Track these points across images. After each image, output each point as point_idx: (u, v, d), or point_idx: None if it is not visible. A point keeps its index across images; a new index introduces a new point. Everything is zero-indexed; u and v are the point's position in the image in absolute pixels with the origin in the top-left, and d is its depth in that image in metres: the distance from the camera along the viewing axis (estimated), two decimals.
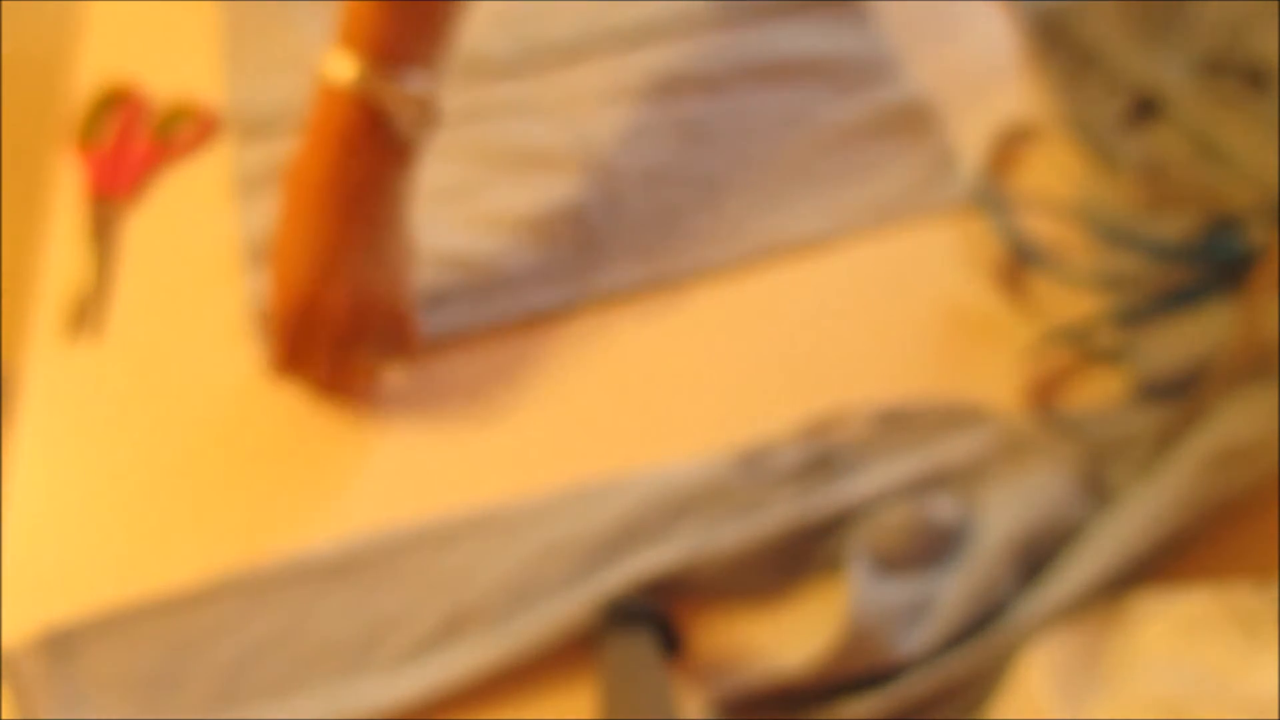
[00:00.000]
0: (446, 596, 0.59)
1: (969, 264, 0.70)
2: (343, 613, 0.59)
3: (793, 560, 0.58)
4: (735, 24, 0.85)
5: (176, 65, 0.85)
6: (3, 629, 0.59)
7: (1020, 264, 0.68)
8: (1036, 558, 0.56)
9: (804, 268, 0.71)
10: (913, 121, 0.77)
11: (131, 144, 0.80)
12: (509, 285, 0.71)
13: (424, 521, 0.62)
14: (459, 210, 0.74)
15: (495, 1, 0.85)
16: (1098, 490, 0.58)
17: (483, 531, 0.61)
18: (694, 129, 0.79)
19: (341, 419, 0.67)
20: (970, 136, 0.75)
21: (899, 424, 0.62)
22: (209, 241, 0.75)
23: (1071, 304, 0.66)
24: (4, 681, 0.57)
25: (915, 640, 0.53)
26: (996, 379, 0.64)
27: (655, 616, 0.55)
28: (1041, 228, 0.69)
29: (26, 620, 0.59)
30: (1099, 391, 0.63)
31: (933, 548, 0.57)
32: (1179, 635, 0.50)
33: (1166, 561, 0.55)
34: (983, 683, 0.52)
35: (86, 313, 0.72)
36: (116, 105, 0.82)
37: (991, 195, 0.71)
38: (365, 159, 0.63)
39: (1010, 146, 0.75)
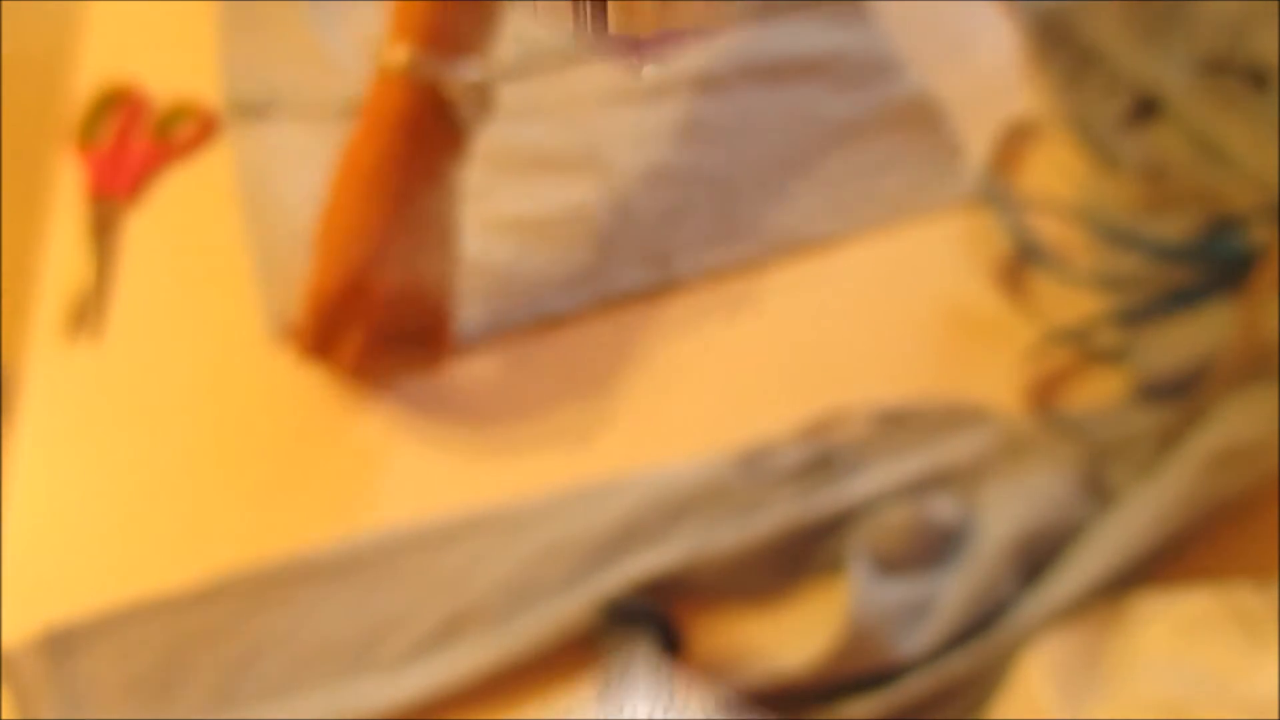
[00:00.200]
0: (446, 596, 0.59)
1: (970, 263, 0.70)
2: (343, 613, 0.59)
3: (793, 561, 0.58)
4: (739, 23, 0.85)
5: (176, 65, 0.85)
6: (3, 629, 0.59)
7: (1022, 262, 0.68)
8: (1037, 558, 0.56)
9: (806, 267, 0.71)
10: (918, 118, 0.77)
11: (131, 144, 0.80)
12: (518, 290, 0.71)
13: (424, 521, 0.61)
14: (467, 215, 0.74)
15: None
16: (1098, 490, 0.58)
17: (483, 531, 0.61)
18: (699, 129, 0.79)
19: (345, 419, 0.67)
20: (972, 135, 0.75)
21: (899, 424, 0.62)
22: (209, 241, 0.75)
23: (1072, 304, 0.66)
24: (4, 681, 0.57)
25: (915, 641, 0.53)
26: (997, 379, 0.64)
27: (655, 616, 0.55)
28: (1043, 227, 0.69)
29: (26, 620, 0.59)
30: (1099, 392, 0.63)
31: (933, 548, 0.57)
32: (1180, 636, 0.50)
33: (1167, 562, 0.55)
34: (983, 683, 0.52)
35: (86, 313, 0.72)
36: (116, 105, 0.82)
37: (997, 191, 0.71)
38: (421, 144, 0.63)
39: (1012, 145, 0.75)
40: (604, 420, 0.66)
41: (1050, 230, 0.69)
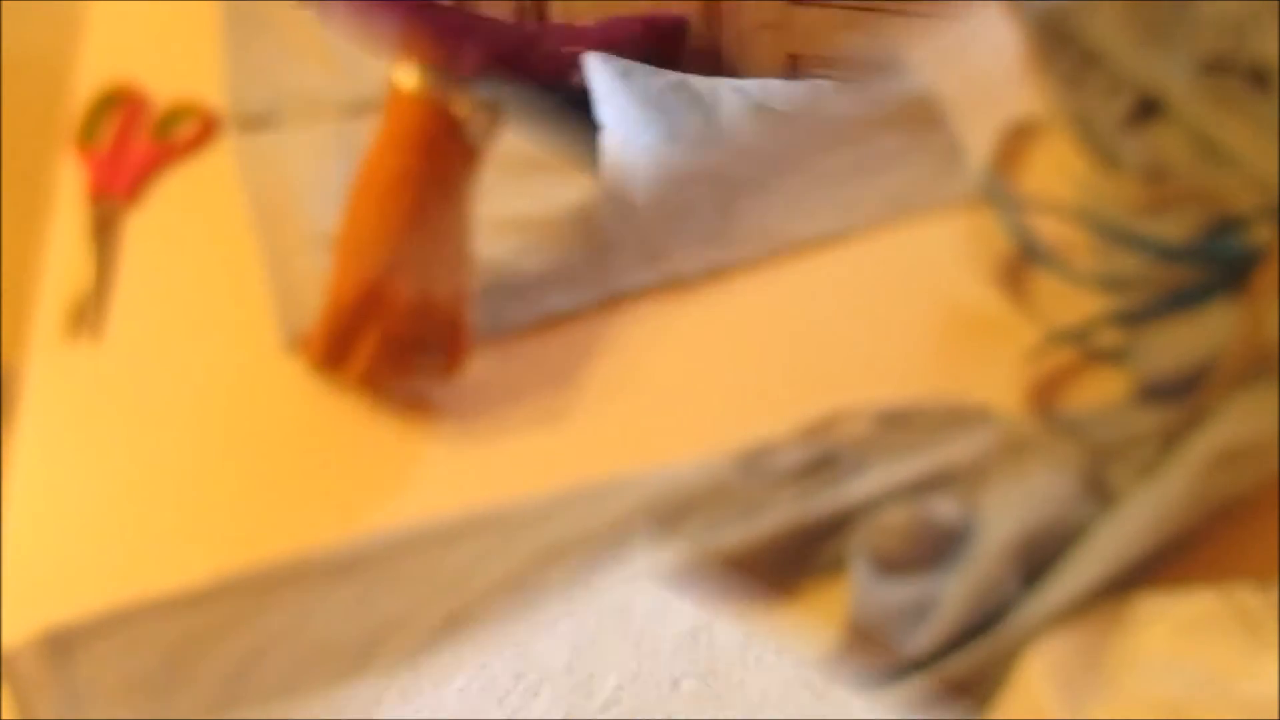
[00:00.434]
0: (447, 597, 0.59)
1: (970, 263, 0.70)
2: (343, 613, 0.59)
3: (794, 561, 0.58)
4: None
5: (176, 65, 0.85)
6: (3, 629, 0.59)
7: (1023, 262, 0.68)
8: (1038, 559, 0.55)
9: (807, 267, 0.71)
10: (921, 115, 0.77)
11: (131, 144, 0.80)
12: (521, 290, 0.71)
13: (424, 521, 0.61)
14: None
15: None
16: (1099, 491, 0.58)
17: (483, 531, 0.61)
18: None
19: (346, 420, 0.67)
20: (973, 135, 0.75)
21: (900, 424, 0.62)
22: (209, 241, 0.75)
23: (1073, 304, 0.66)
24: (4, 681, 0.57)
25: (917, 641, 0.53)
26: (998, 379, 0.64)
27: None
28: (1043, 227, 0.69)
29: (26, 620, 0.59)
30: (1101, 392, 0.63)
31: (934, 548, 0.57)
32: (1181, 636, 0.50)
33: (1169, 562, 0.54)
34: (985, 684, 0.52)
35: (86, 313, 0.72)
36: (116, 105, 0.82)
37: (998, 191, 0.71)
38: (435, 160, 0.65)
39: (1012, 145, 0.75)
40: (604, 420, 0.66)
41: (1051, 230, 0.69)
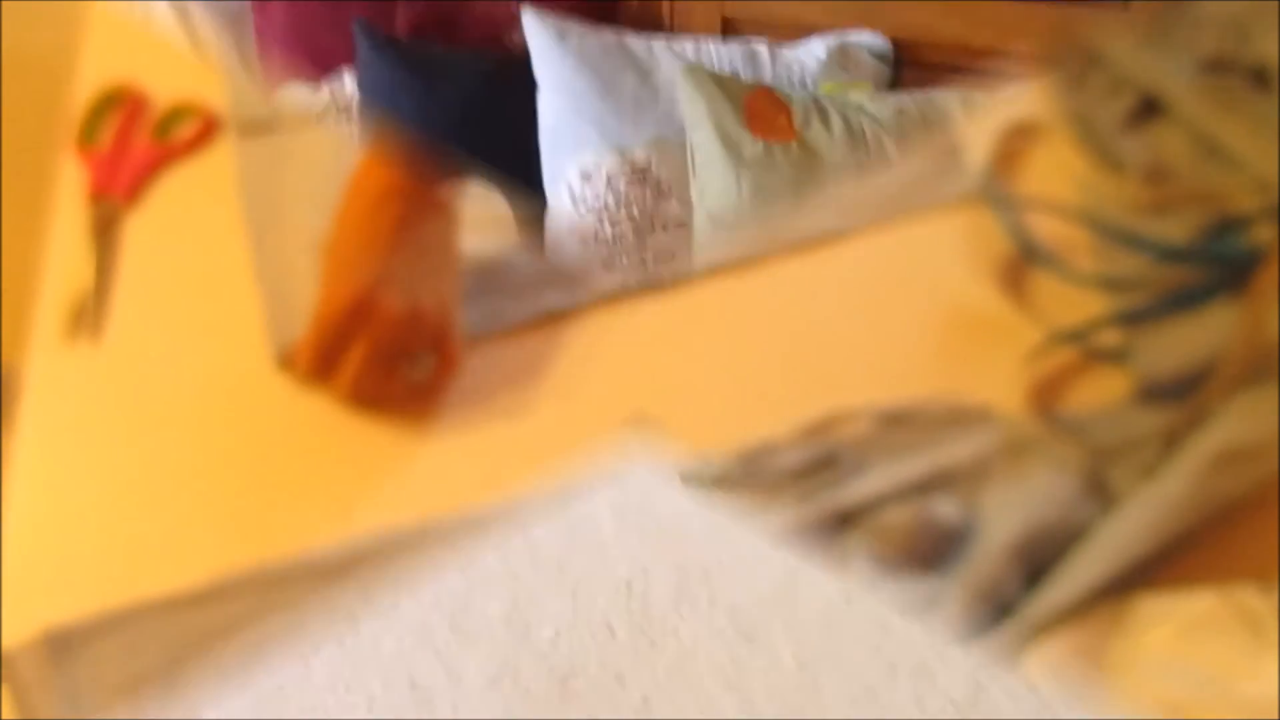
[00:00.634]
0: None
1: (971, 263, 0.70)
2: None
3: None
4: None
5: (176, 65, 0.85)
6: (3, 629, 0.59)
7: (1024, 263, 0.68)
8: (1039, 560, 0.55)
9: (808, 266, 0.71)
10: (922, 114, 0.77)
11: (131, 144, 0.80)
12: (514, 288, 0.71)
13: (424, 521, 0.61)
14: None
15: None
16: (1100, 492, 0.58)
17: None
18: None
19: (345, 420, 0.67)
20: (972, 135, 0.75)
21: (901, 424, 0.62)
22: (209, 242, 0.75)
23: (1074, 304, 0.66)
24: (4, 681, 0.57)
25: None
26: (999, 379, 0.64)
27: None
28: (1044, 227, 0.69)
29: (26, 620, 0.58)
30: (1101, 392, 0.63)
31: (935, 549, 0.57)
32: (1182, 637, 0.50)
33: (1169, 562, 0.54)
34: None
35: (86, 313, 0.72)
36: (116, 105, 0.82)
37: (997, 191, 0.71)
38: (423, 176, 0.65)
39: (1012, 145, 0.75)
40: (602, 420, 0.66)
41: (1051, 230, 0.69)
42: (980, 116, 0.77)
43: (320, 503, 0.64)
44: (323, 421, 0.66)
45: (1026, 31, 1.15)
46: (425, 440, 0.66)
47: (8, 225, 1.25)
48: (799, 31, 1.24)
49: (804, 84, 1.19)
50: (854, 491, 0.59)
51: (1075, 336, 0.64)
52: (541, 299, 0.70)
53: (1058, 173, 0.73)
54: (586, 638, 0.62)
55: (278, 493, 0.64)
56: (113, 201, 0.77)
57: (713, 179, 1.09)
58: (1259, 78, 0.67)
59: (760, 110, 1.09)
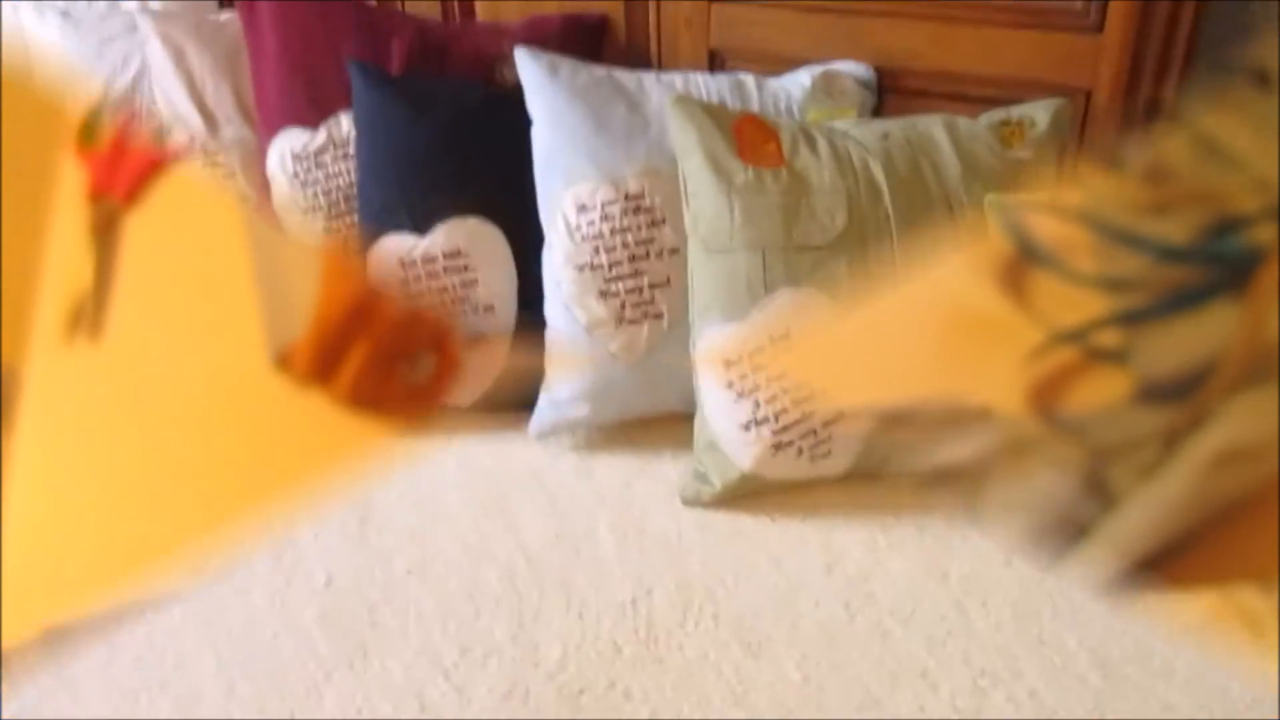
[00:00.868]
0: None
1: (971, 263, 0.70)
2: None
3: None
4: None
5: None
6: (3, 629, 0.59)
7: (1025, 263, 0.68)
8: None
9: None
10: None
11: (131, 144, 0.80)
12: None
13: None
14: None
15: None
16: (1100, 492, 0.58)
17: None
18: None
19: (343, 420, 0.67)
20: None
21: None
22: (210, 241, 0.75)
23: (1074, 304, 0.66)
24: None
25: None
26: (999, 379, 0.64)
27: None
28: (1044, 227, 0.69)
29: (26, 620, 0.59)
30: (1102, 392, 0.63)
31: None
32: (1183, 637, 0.50)
33: (1171, 562, 0.54)
34: None
35: (86, 313, 0.72)
36: (117, 106, 0.82)
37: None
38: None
39: None
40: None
41: (1051, 230, 0.69)
42: None
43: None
44: (322, 421, 0.67)
45: (1003, 57, 1.18)
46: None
47: (8, 225, 1.25)
48: (784, 63, 1.27)
49: (790, 112, 1.22)
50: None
51: (1075, 336, 0.64)
52: None
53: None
54: (593, 655, 0.63)
55: (277, 492, 0.64)
56: (113, 201, 0.77)
57: (705, 206, 1.11)
58: (1260, 78, 0.67)
59: (749, 138, 1.10)
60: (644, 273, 1.18)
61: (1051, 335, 0.65)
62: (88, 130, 0.81)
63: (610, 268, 1.17)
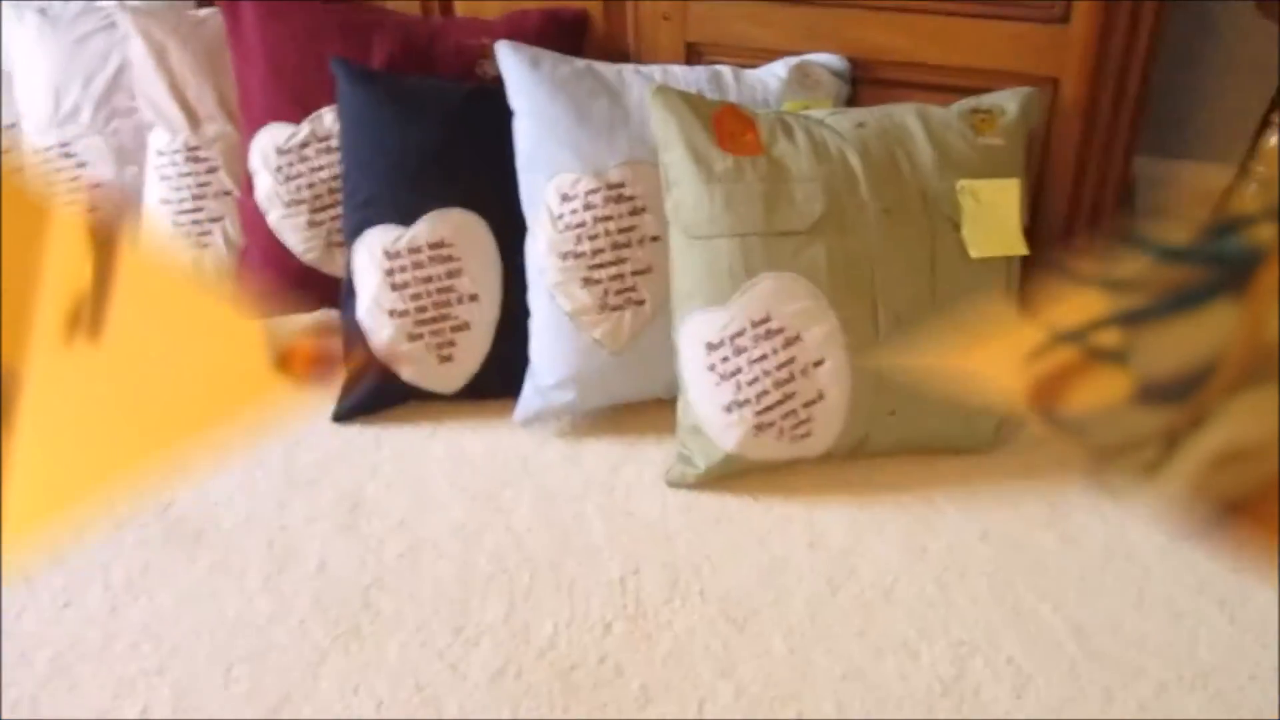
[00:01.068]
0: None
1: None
2: None
3: None
4: None
5: None
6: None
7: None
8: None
9: None
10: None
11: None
12: None
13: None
14: None
15: None
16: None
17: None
18: None
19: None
20: None
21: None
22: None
23: (1074, 304, 0.67)
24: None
25: None
26: (999, 379, 0.65)
27: None
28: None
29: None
30: (1102, 392, 0.64)
31: None
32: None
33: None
34: None
35: (86, 314, 0.71)
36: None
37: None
38: None
39: None
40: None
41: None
42: None
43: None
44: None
45: (973, 48, 1.21)
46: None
47: (8, 226, 1.23)
48: (760, 55, 1.29)
49: (767, 103, 1.23)
50: None
51: (1075, 336, 0.66)
52: None
53: None
54: (584, 633, 0.64)
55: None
56: (113, 204, 0.76)
57: (686, 194, 1.12)
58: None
59: (728, 127, 1.12)
60: (626, 260, 1.19)
61: (1051, 335, 0.66)
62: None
63: (593, 255, 1.18)
